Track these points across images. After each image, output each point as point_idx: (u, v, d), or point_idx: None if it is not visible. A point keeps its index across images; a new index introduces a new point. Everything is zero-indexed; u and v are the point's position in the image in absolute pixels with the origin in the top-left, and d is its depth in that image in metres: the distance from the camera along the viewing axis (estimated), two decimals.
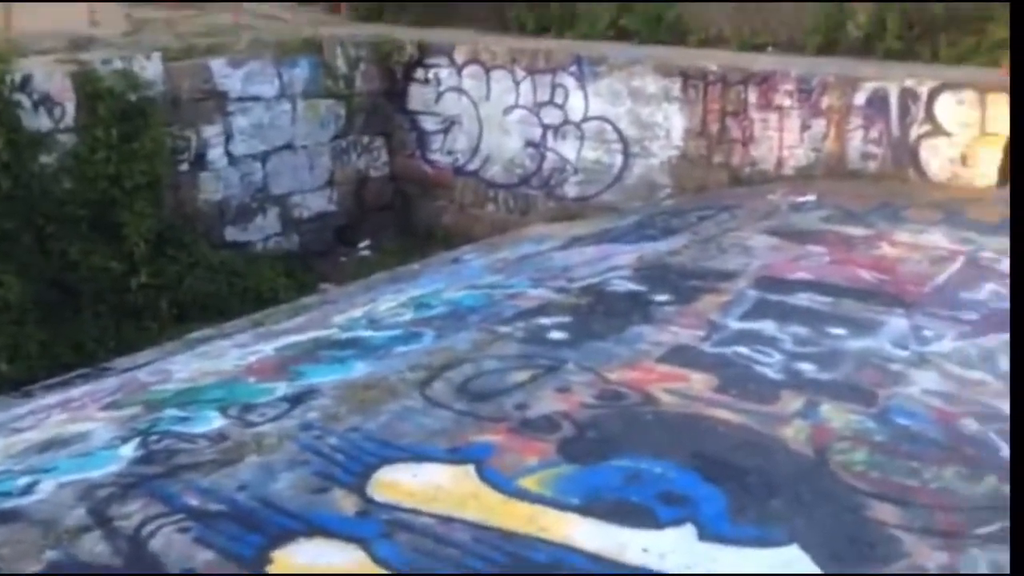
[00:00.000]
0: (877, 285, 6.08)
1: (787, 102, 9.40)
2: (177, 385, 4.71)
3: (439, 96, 11.25)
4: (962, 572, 3.20)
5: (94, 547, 3.16)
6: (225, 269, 9.30)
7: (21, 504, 3.42)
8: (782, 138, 9.45)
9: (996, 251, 6.79)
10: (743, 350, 4.96)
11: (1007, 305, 5.77)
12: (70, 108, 8.57)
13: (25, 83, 8.30)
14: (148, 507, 3.37)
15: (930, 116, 8.85)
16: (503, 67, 10.78)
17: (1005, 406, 4.41)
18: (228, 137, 9.90)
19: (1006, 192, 8.04)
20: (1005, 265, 6.51)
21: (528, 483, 3.58)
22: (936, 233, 7.25)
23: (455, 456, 3.77)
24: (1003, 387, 4.62)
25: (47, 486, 3.54)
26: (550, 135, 10.64)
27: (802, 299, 5.76)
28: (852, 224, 7.51)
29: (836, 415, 4.24)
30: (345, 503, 3.43)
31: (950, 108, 8.75)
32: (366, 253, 10.98)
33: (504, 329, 5.21)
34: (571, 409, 4.19)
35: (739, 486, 3.60)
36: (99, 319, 8.36)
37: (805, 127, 9.36)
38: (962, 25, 10.15)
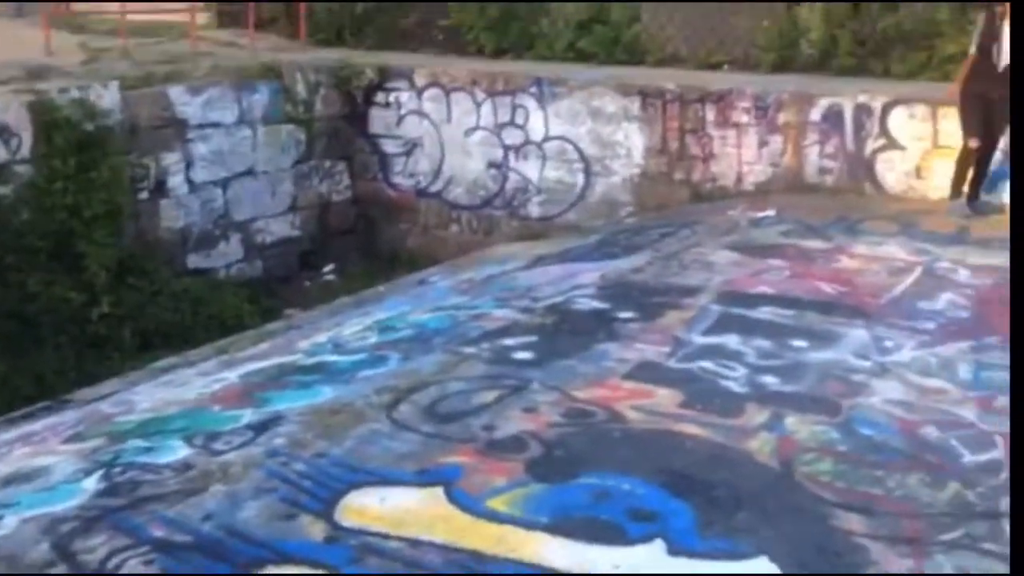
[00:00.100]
0: (837, 297, 6.16)
1: (744, 119, 9.53)
2: (140, 415, 4.66)
3: (400, 119, 11.27)
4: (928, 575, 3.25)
5: None
6: (188, 297, 9.22)
7: None
8: (741, 154, 9.57)
9: (952, 261, 6.92)
10: (708, 365, 4.99)
11: (965, 314, 5.90)
12: (27, 138, 8.48)
13: None
14: (113, 540, 3.33)
15: (884, 130, 9.02)
16: (463, 89, 10.83)
17: (965, 413, 4.50)
18: (188, 164, 9.84)
19: (958, 204, 8.20)
20: (961, 275, 6.64)
21: (497, 503, 3.57)
22: (893, 245, 7.37)
23: (423, 479, 3.76)
24: (962, 395, 4.70)
25: (10, 522, 3.48)
26: (512, 156, 10.69)
27: (764, 313, 5.82)
28: (811, 238, 7.61)
29: (801, 427, 4.28)
30: (313, 529, 3.41)
31: (903, 122, 8.92)
32: (331, 278, 10.93)
33: (470, 350, 5.21)
34: (538, 428, 4.20)
35: (707, 500, 3.62)
36: (60, 350, 8.24)
37: (763, 143, 9.49)
38: (912, 41, 10.36)
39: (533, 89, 10.46)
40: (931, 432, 4.28)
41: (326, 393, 4.67)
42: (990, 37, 7.82)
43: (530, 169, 10.61)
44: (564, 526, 3.42)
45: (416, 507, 3.56)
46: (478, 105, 10.76)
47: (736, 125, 9.57)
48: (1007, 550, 3.36)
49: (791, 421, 4.33)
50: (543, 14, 12.35)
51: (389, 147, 11.38)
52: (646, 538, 3.37)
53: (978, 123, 7.92)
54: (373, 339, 5.61)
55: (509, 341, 5.34)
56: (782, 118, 9.39)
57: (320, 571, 3.17)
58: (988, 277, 6.58)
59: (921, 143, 8.88)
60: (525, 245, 8.66)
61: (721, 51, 11.38)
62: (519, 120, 10.57)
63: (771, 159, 9.48)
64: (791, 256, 7.07)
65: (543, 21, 12.34)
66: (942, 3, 10.26)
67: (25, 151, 8.47)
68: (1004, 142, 8.30)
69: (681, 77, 10.34)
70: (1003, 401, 4.62)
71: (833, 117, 9.19)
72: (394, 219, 11.47)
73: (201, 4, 13.71)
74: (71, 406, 5.03)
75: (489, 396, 4.55)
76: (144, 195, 9.46)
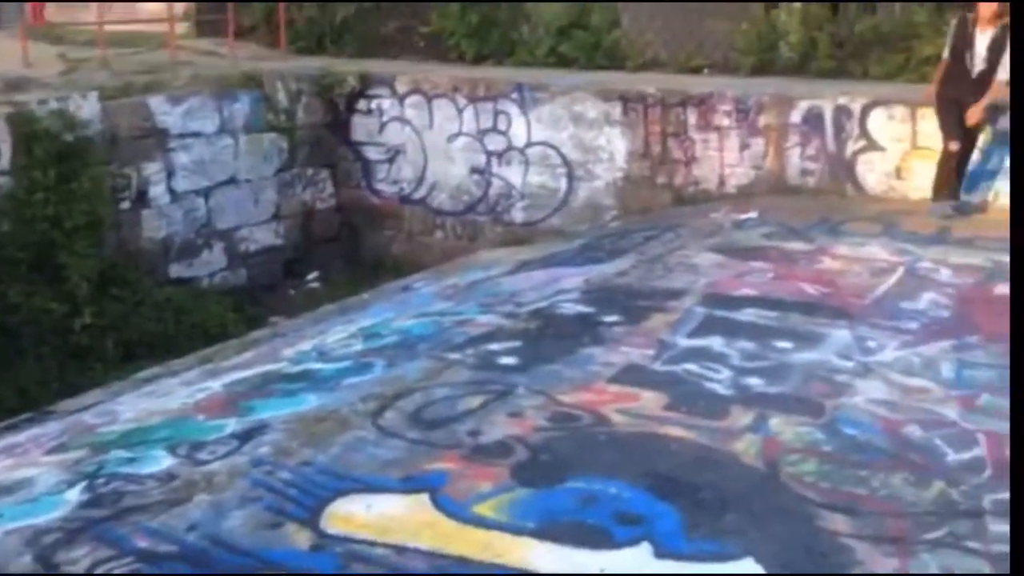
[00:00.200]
0: (820, 298, 6.18)
1: (726, 122, 9.56)
2: (124, 426, 4.63)
3: (382, 126, 11.26)
4: (913, 574, 3.25)
5: None
6: (171, 306, 9.18)
7: None
8: (723, 157, 9.61)
9: (933, 261, 6.96)
10: (693, 367, 5.00)
11: (946, 314, 5.94)
12: (6, 150, 8.44)
13: None
14: (96, 551, 3.30)
15: (864, 132, 9.07)
16: (445, 96, 10.84)
17: (948, 412, 4.52)
18: (170, 174, 9.81)
19: (941, 204, 8.25)
20: (942, 274, 6.68)
21: (483, 509, 3.57)
22: (875, 245, 7.41)
23: (409, 485, 3.75)
24: (944, 394, 4.73)
25: None
26: (495, 161, 10.70)
27: (748, 315, 5.84)
28: (794, 239, 7.64)
29: (785, 428, 4.30)
30: (299, 538, 3.40)
31: (883, 124, 8.98)
32: (315, 285, 10.91)
33: (454, 356, 5.20)
34: (524, 433, 4.19)
35: (693, 502, 3.63)
36: (42, 361, 8.19)
37: (744, 146, 9.53)
38: (890, 43, 10.44)
39: (515, 95, 10.47)
40: (914, 431, 4.30)
41: (311, 401, 4.66)
42: (963, 43, 7.90)
43: (513, 174, 10.62)
44: (551, 531, 3.42)
45: (402, 514, 3.55)
46: (460, 111, 10.77)
47: (717, 128, 9.61)
48: (991, 548, 3.39)
49: (776, 422, 4.34)
50: (523, 20, 12.38)
51: (372, 154, 11.37)
52: (633, 541, 3.37)
53: (956, 127, 8.01)
54: (358, 346, 5.60)
55: (494, 346, 5.34)
56: (763, 121, 9.43)
57: None
58: (969, 276, 6.63)
59: (900, 144, 8.94)
60: (509, 250, 8.67)
61: (701, 55, 11.44)
62: (501, 126, 10.59)
63: (753, 162, 9.52)
64: (774, 258, 7.10)
65: (523, 27, 12.37)
66: (919, 2, 10.36)
67: (5, 163, 8.43)
68: (982, 140, 8.39)
69: (662, 81, 10.37)
70: (985, 399, 4.66)
71: (813, 119, 9.25)
72: (378, 226, 11.46)
73: (180, 13, 13.66)
74: (54, 417, 5.00)
75: (474, 402, 4.55)
76: (125, 205, 9.42)
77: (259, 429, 4.29)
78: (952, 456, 4.08)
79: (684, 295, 6.23)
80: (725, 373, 4.92)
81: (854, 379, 4.88)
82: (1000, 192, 8.58)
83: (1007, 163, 8.55)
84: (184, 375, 5.47)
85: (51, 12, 14.54)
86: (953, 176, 8.20)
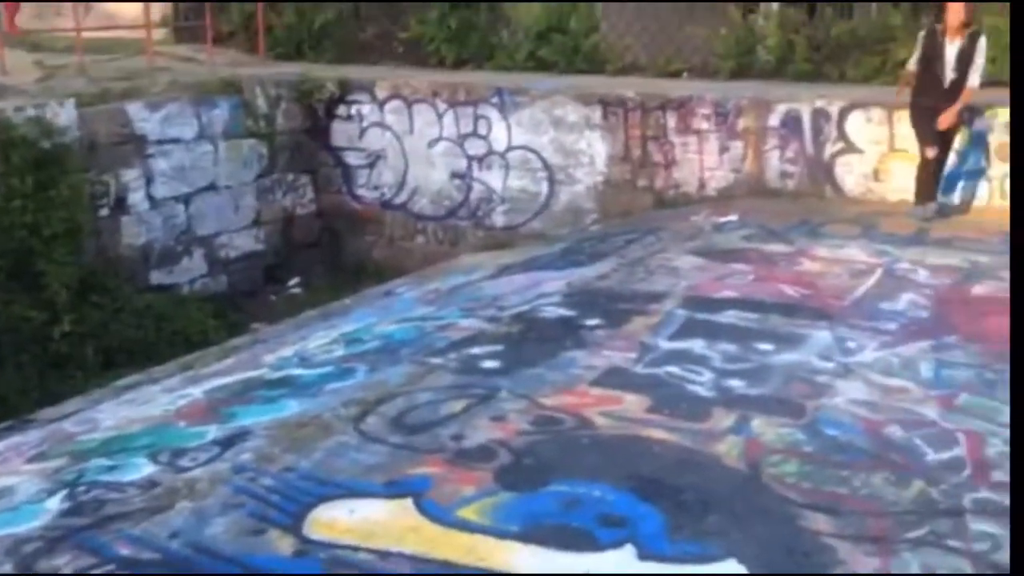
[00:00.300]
0: (800, 300, 6.22)
1: (705, 125, 9.61)
2: (104, 434, 4.60)
3: (362, 132, 11.24)
4: (894, 574, 3.27)
5: None
6: (151, 313, 9.12)
7: None
8: (702, 160, 9.65)
9: (912, 262, 7.02)
10: (674, 369, 5.02)
11: (924, 314, 5.98)
12: None
13: None
14: (77, 559, 3.29)
15: (842, 134, 9.14)
16: (425, 101, 10.83)
17: (927, 412, 4.56)
18: (149, 180, 9.75)
19: (919, 208, 8.31)
20: (921, 275, 6.74)
21: (467, 513, 3.57)
22: (854, 247, 7.46)
23: (392, 490, 3.74)
24: (924, 393, 4.77)
25: None
26: (475, 166, 10.70)
27: (729, 317, 5.87)
28: (774, 241, 7.68)
29: (767, 429, 4.32)
30: (281, 544, 3.39)
31: (860, 126, 9.05)
32: (296, 291, 10.88)
33: (437, 361, 5.20)
34: (507, 437, 4.20)
35: (676, 504, 3.64)
36: (22, 370, 8.12)
37: (724, 149, 9.58)
38: (866, 47, 10.52)
39: (495, 99, 10.48)
40: (895, 431, 4.34)
41: (293, 407, 4.64)
42: (933, 53, 7.99)
43: (494, 179, 10.63)
44: (534, 534, 3.43)
45: (385, 519, 3.55)
46: (440, 116, 10.77)
47: (697, 132, 9.65)
48: (971, 547, 3.42)
49: (757, 423, 4.37)
50: (503, 24, 12.40)
51: (352, 159, 11.35)
52: (616, 544, 3.39)
53: (932, 134, 8.10)
54: (340, 352, 5.58)
55: (476, 350, 5.34)
56: (742, 124, 9.48)
57: None
58: (947, 277, 6.69)
59: (878, 146, 9.01)
60: (491, 255, 8.67)
61: (680, 59, 11.49)
62: (482, 130, 10.59)
63: (732, 165, 9.57)
64: (754, 260, 7.13)
65: (503, 31, 12.39)
66: (894, 2, 10.44)
67: None
68: (959, 143, 8.47)
69: (641, 85, 10.41)
70: (964, 399, 4.70)
71: (792, 122, 9.30)
72: (359, 231, 11.43)
73: (158, 19, 13.59)
74: (34, 426, 4.96)
75: (457, 406, 4.55)
76: (104, 212, 9.36)
77: (241, 436, 4.28)
78: (932, 455, 4.11)
79: (665, 298, 6.26)
80: (707, 375, 4.95)
81: (834, 380, 4.92)
82: (977, 194, 8.67)
83: (983, 164, 8.66)
84: (165, 382, 5.44)
85: (28, 20, 14.42)
86: (932, 181, 8.28)
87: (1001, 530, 3.49)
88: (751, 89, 10.01)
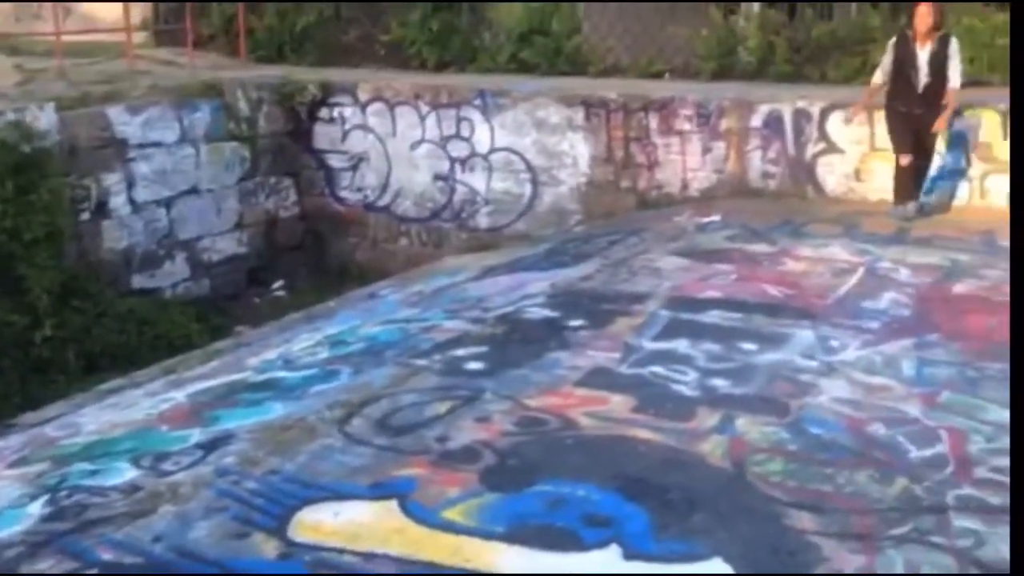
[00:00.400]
0: (783, 299, 6.24)
1: (687, 126, 9.64)
2: (86, 438, 4.57)
3: (345, 134, 11.22)
4: (879, 573, 3.29)
5: None
6: (134, 317, 9.07)
7: None
8: (685, 161, 9.68)
9: (893, 261, 7.06)
10: (659, 369, 5.03)
11: (907, 312, 6.02)
12: None
13: None
14: (60, 564, 3.26)
15: (823, 135, 9.18)
16: (407, 103, 10.82)
17: (910, 409, 4.58)
18: (130, 184, 9.70)
19: (900, 208, 8.36)
20: (902, 274, 6.78)
21: (452, 514, 3.56)
22: (836, 246, 7.50)
23: (377, 492, 3.73)
24: (906, 391, 4.79)
25: None
26: (458, 168, 10.69)
27: (713, 317, 5.88)
28: (756, 241, 7.71)
29: (751, 428, 4.33)
30: (266, 547, 3.37)
31: (841, 126, 9.09)
32: (280, 294, 10.84)
33: (421, 362, 5.19)
34: (492, 438, 4.20)
35: (661, 503, 3.65)
36: (3, 375, 8.07)
37: (706, 150, 9.61)
38: (846, 48, 10.58)
39: (477, 101, 10.48)
40: (878, 429, 4.35)
41: (277, 410, 4.62)
42: (905, 58, 8.04)
43: (477, 181, 10.63)
44: (520, 534, 3.43)
45: (371, 521, 3.54)
46: (423, 118, 10.76)
47: (679, 133, 9.67)
48: (955, 543, 3.44)
49: (742, 423, 4.38)
50: (484, 27, 12.40)
51: (335, 162, 11.33)
52: (602, 543, 3.39)
53: (907, 141, 8.15)
54: (324, 354, 5.57)
55: (461, 352, 5.34)
56: (724, 125, 9.51)
57: None
58: (928, 275, 6.73)
59: (859, 146, 9.06)
60: (474, 256, 8.67)
61: (661, 60, 11.52)
62: (464, 132, 10.59)
63: (715, 165, 9.60)
64: (737, 260, 7.16)
65: (485, 34, 12.39)
66: (873, 2, 10.50)
67: None
68: (941, 146, 8.52)
69: (623, 86, 10.44)
70: (946, 396, 4.73)
71: (773, 123, 9.34)
72: (342, 234, 11.41)
73: (138, 22, 13.53)
74: (15, 430, 4.93)
75: (442, 407, 4.54)
76: (85, 216, 9.30)
77: (224, 439, 4.26)
78: (915, 453, 4.13)
79: (649, 298, 6.27)
80: (691, 375, 4.96)
81: (818, 379, 4.93)
82: (957, 193, 8.73)
83: (963, 164, 8.72)
84: (147, 386, 5.41)
85: (6, 23, 14.33)
86: (911, 184, 8.33)
87: (984, 527, 3.51)
88: (733, 90, 10.05)
